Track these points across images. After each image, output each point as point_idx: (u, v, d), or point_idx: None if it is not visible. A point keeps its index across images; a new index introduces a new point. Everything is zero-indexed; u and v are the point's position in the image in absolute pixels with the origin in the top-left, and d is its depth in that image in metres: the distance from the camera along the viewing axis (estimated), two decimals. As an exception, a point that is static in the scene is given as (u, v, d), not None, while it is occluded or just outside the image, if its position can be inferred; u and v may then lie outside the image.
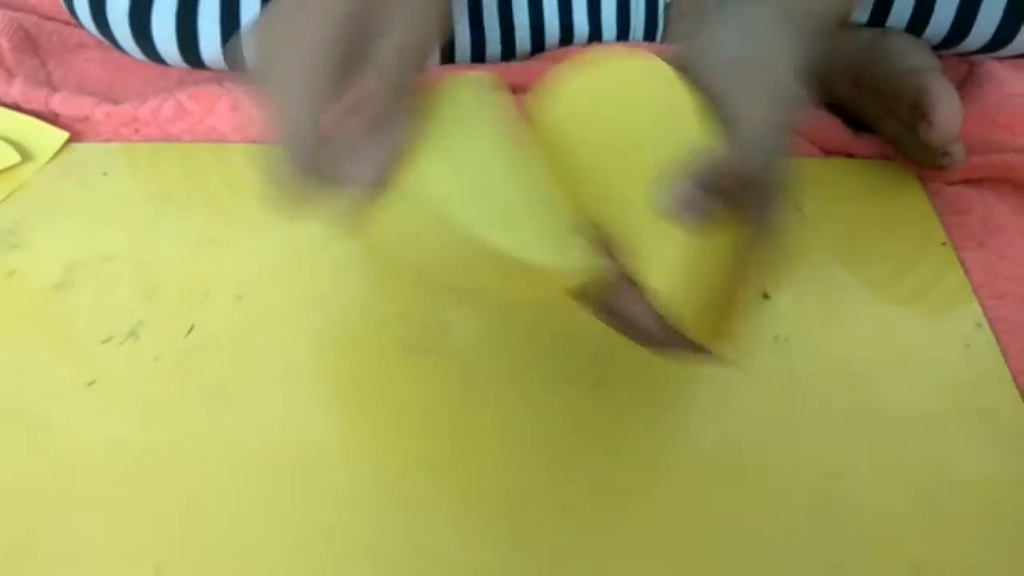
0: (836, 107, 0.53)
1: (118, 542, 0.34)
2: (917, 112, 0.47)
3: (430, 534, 0.34)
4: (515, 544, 0.34)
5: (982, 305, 0.43)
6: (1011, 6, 0.50)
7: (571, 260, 0.30)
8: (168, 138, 0.52)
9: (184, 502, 0.35)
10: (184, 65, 0.55)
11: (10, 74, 0.54)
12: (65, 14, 0.57)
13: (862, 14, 0.52)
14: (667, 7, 0.56)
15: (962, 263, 0.45)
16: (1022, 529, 0.35)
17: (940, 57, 0.53)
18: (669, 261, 0.28)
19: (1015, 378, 0.40)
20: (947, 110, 0.45)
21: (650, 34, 0.57)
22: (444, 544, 0.34)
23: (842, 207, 0.48)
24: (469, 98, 0.33)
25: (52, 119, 0.53)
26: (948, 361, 0.41)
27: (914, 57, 0.50)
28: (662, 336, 0.29)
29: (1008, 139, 0.51)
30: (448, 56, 0.55)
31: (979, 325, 0.42)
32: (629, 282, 0.30)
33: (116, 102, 0.53)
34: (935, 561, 0.34)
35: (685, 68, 0.30)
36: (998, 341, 0.41)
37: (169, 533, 0.34)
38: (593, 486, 0.36)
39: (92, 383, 0.39)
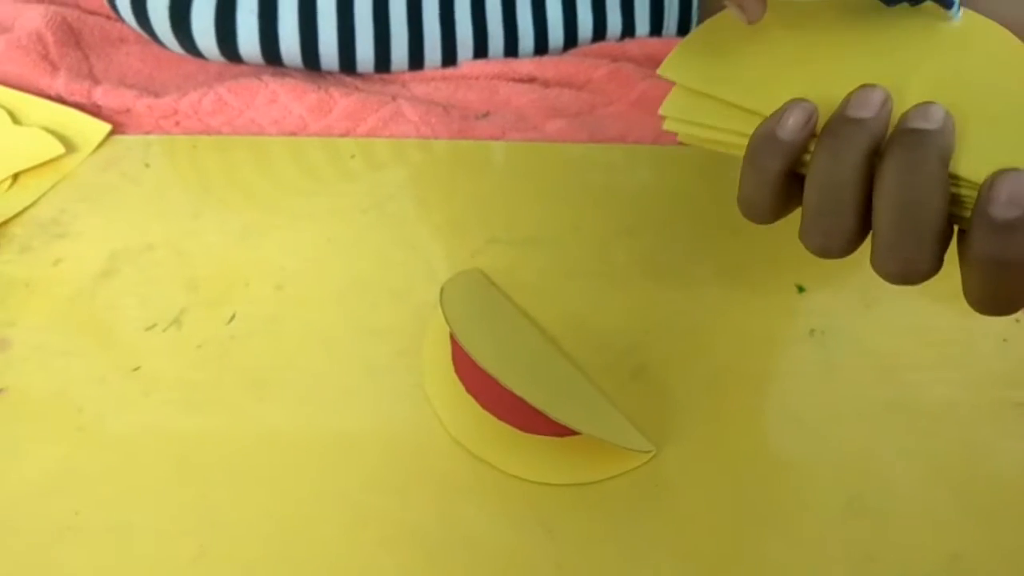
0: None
1: (162, 524, 0.35)
2: None
3: (464, 518, 0.35)
4: (548, 529, 0.34)
5: (1019, 300, 0.43)
6: None
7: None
8: (208, 131, 0.53)
9: (226, 485, 0.36)
10: (222, 59, 0.56)
11: (54, 67, 0.55)
12: (106, 8, 0.58)
13: None
14: (700, 2, 0.56)
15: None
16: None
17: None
18: None
19: (1053, 373, 0.40)
20: None
21: (683, 29, 0.57)
22: (478, 528, 0.34)
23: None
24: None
25: (95, 111, 0.54)
26: (984, 355, 0.41)
27: None
28: None
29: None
30: (482, 51, 0.56)
31: (1017, 320, 0.42)
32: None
33: (156, 95, 0.54)
34: (970, 554, 0.34)
35: None
36: (1036, 336, 0.41)
37: (212, 516, 0.35)
38: (626, 473, 0.36)
39: (136, 369, 0.40)
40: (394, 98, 0.54)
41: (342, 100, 0.53)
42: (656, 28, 0.57)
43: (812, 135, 0.26)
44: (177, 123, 0.54)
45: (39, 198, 0.49)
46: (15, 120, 0.52)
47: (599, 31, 0.56)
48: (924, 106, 0.24)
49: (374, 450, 0.37)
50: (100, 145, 0.52)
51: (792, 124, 0.25)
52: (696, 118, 0.28)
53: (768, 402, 0.39)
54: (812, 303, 0.43)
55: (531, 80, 0.55)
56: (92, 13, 0.59)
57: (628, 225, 0.47)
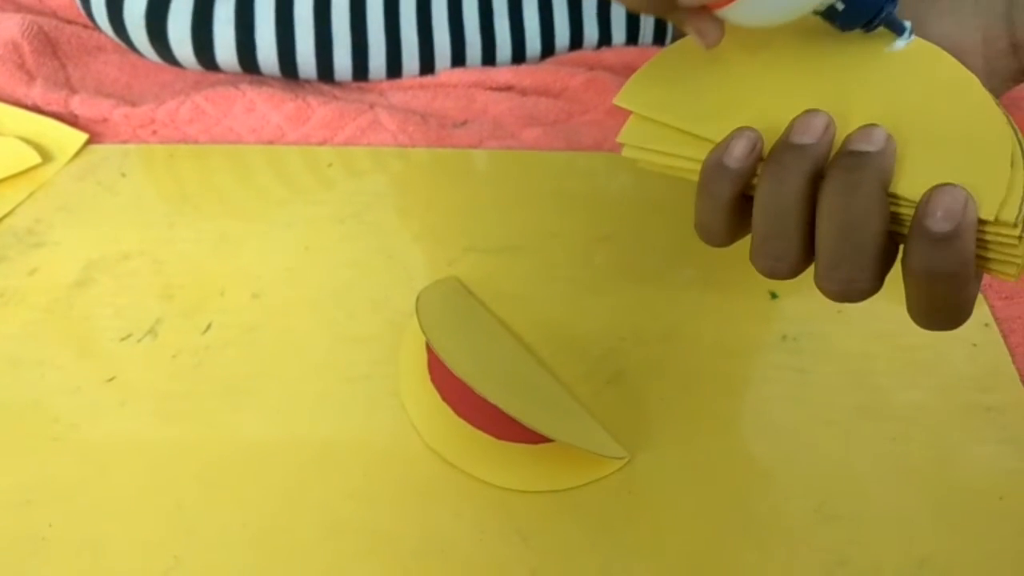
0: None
1: (137, 535, 0.34)
2: None
3: (439, 525, 0.35)
4: (523, 536, 0.34)
5: (990, 305, 0.43)
6: None
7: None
8: (185, 139, 0.53)
9: (201, 496, 0.36)
10: (199, 68, 0.56)
11: (31, 76, 0.55)
12: (83, 17, 0.58)
13: None
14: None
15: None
16: (1026, 526, 0.35)
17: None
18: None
19: (1021, 377, 0.40)
20: None
21: (659, 38, 0.57)
22: (454, 535, 0.34)
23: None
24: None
25: (71, 120, 0.54)
26: (955, 360, 0.41)
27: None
28: None
29: None
30: (459, 59, 0.56)
31: (986, 325, 0.42)
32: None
33: (133, 104, 0.54)
34: (940, 558, 0.34)
35: None
36: (1005, 341, 0.42)
37: (186, 526, 0.35)
38: (600, 480, 0.36)
39: (111, 379, 0.40)
40: (372, 107, 0.54)
41: (320, 109, 0.53)
42: (632, 37, 0.57)
43: (759, 160, 0.26)
44: (154, 132, 0.54)
45: (15, 208, 0.48)
46: (-9, 130, 0.52)
47: (576, 40, 0.57)
48: (866, 128, 0.25)
49: (350, 458, 0.37)
50: (77, 154, 0.52)
51: (738, 152, 0.26)
52: (653, 145, 0.29)
53: (741, 407, 0.39)
54: (785, 309, 0.43)
55: (508, 88, 0.56)
56: (69, 22, 0.59)
57: (604, 232, 0.48)
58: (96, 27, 0.56)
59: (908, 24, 0.28)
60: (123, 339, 0.42)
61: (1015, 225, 0.23)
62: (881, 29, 0.28)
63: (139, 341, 0.42)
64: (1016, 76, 0.30)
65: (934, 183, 0.24)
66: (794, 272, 0.26)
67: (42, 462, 0.37)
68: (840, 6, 0.27)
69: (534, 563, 0.34)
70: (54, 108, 0.54)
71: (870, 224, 0.24)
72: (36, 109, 0.54)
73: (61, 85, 0.55)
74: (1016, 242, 0.24)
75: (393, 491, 0.36)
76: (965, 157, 0.25)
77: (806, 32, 0.29)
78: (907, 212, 0.25)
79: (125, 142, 0.53)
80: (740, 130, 0.26)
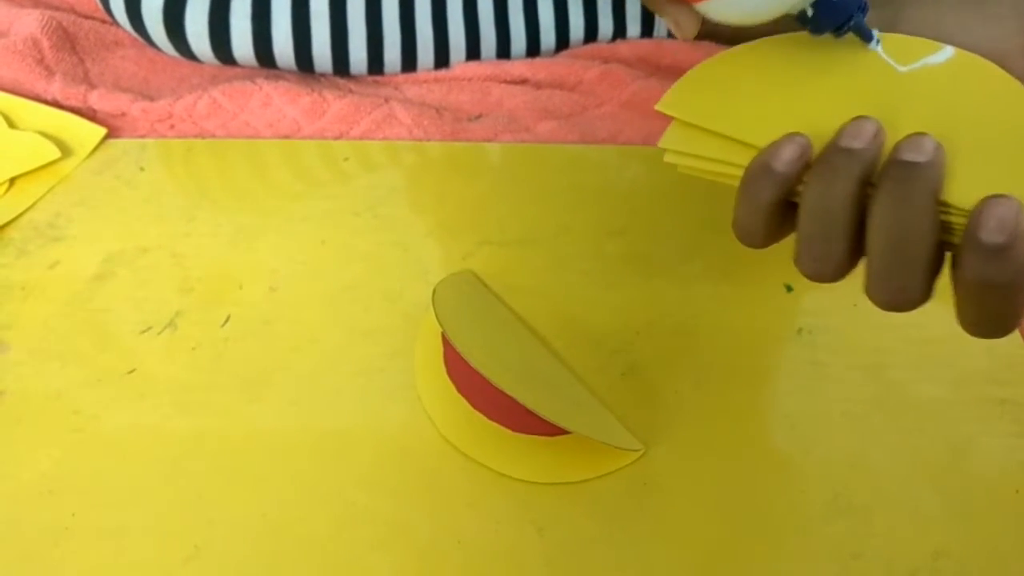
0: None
1: (157, 524, 0.35)
2: None
3: (455, 517, 0.35)
4: (538, 528, 0.35)
5: (1005, 298, 0.43)
6: None
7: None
8: (203, 134, 0.54)
9: (220, 486, 0.36)
10: (216, 62, 0.56)
11: (50, 71, 0.55)
12: (101, 12, 0.58)
13: None
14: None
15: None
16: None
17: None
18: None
19: (1038, 371, 0.40)
20: None
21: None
22: (469, 527, 0.35)
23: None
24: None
25: (90, 115, 0.54)
26: (970, 353, 0.41)
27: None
28: None
29: None
30: (474, 53, 0.56)
31: (1002, 318, 0.42)
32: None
33: (151, 98, 0.54)
34: (955, 551, 0.34)
35: None
36: (1021, 333, 0.42)
37: (206, 516, 0.35)
38: (615, 472, 0.36)
39: (132, 371, 0.40)
40: (387, 100, 0.54)
41: (335, 103, 0.53)
42: (647, 30, 0.57)
43: (806, 167, 0.27)
44: (172, 126, 0.54)
45: (35, 202, 0.49)
46: (11, 125, 0.52)
47: (591, 33, 0.57)
48: (915, 137, 0.25)
49: (366, 450, 0.37)
50: (95, 149, 0.52)
51: (787, 156, 0.26)
52: (695, 150, 0.29)
53: (756, 400, 0.39)
54: (800, 302, 0.43)
55: (523, 82, 0.56)
56: (87, 17, 0.59)
57: (619, 225, 0.48)
58: (114, 22, 0.57)
59: (876, 33, 0.29)
60: (143, 332, 0.42)
61: None
62: (850, 35, 0.29)
63: (159, 334, 0.42)
64: None
65: (985, 193, 0.24)
66: (838, 275, 0.26)
67: (64, 453, 0.37)
68: (809, 12, 0.28)
69: (549, 554, 0.34)
70: (73, 103, 0.54)
71: (922, 235, 0.24)
72: (55, 104, 0.54)
73: (80, 80, 0.56)
74: None
75: (409, 482, 0.36)
76: (1015, 165, 0.25)
77: (850, 44, 0.29)
78: (957, 221, 0.25)
79: (143, 136, 0.54)
80: (790, 135, 0.26)
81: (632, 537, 0.35)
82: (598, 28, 0.57)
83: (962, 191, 0.24)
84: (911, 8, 0.31)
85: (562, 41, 0.57)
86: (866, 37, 0.29)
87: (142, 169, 0.51)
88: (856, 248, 0.26)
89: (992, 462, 0.37)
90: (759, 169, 0.26)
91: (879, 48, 0.29)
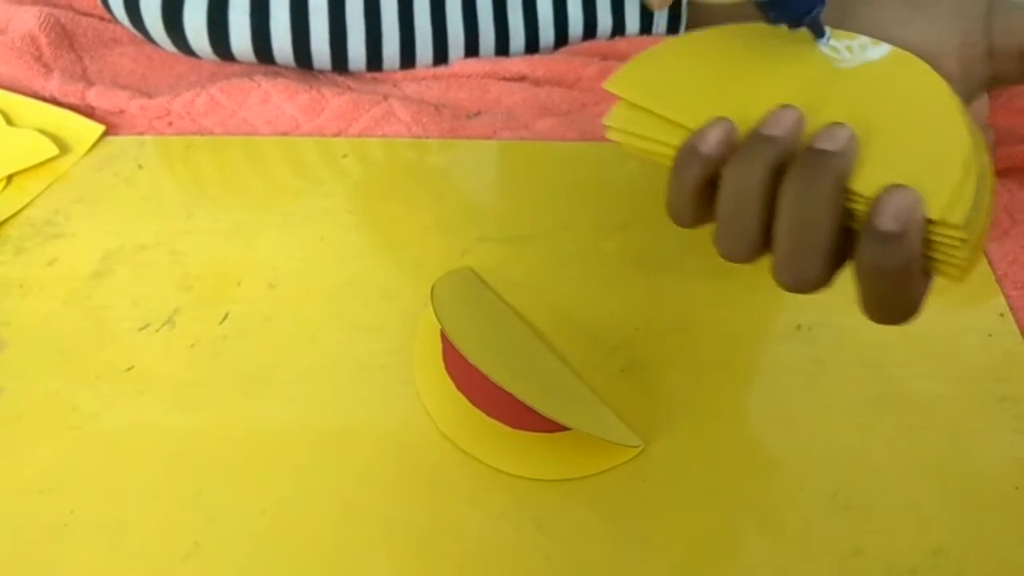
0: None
1: (156, 521, 0.35)
2: None
3: (454, 513, 0.35)
4: (538, 524, 0.35)
5: (1005, 295, 0.43)
6: None
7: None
8: (201, 131, 0.54)
9: (219, 483, 0.36)
10: (215, 58, 0.56)
11: (48, 69, 0.55)
12: (100, 9, 0.58)
13: None
14: (689, 2, 0.57)
15: (986, 252, 0.45)
16: (1043, 516, 0.35)
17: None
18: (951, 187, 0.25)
19: (1037, 367, 0.40)
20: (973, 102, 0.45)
21: (673, 28, 0.57)
22: (469, 523, 0.35)
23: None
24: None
25: (88, 112, 0.54)
26: (970, 350, 0.41)
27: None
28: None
29: (1034, 129, 0.51)
30: (473, 49, 0.56)
31: (1001, 314, 0.42)
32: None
33: (149, 96, 0.54)
34: (955, 547, 0.34)
35: None
36: (1020, 330, 0.42)
37: (205, 513, 0.35)
38: (615, 468, 0.36)
39: (130, 368, 0.40)
40: (386, 97, 0.54)
41: (334, 100, 0.53)
42: (646, 26, 0.57)
43: (731, 151, 0.27)
44: (170, 124, 0.54)
45: (33, 199, 0.49)
46: (9, 122, 0.52)
47: (589, 29, 0.57)
48: (831, 127, 0.26)
49: (365, 447, 0.37)
50: (94, 146, 0.52)
51: (712, 139, 0.27)
52: (635, 130, 0.30)
53: (756, 397, 0.39)
54: (799, 299, 0.43)
55: (522, 79, 0.56)
56: (85, 14, 0.59)
57: (618, 222, 0.48)
58: (112, 18, 0.57)
59: (828, 30, 0.30)
60: (141, 329, 0.42)
61: (961, 227, 0.24)
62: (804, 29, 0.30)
63: (157, 331, 0.42)
64: (990, 81, 0.31)
65: (889, 182, 0.24)
66: (751, 257, 0.27)
67: (62, 450, 0.37)
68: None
69: (548, 550, 0.34)
70: (71, 100, 0.54)
71: (824, 220, 0.25)
72: (53, 101, 0.54)
73: (78, 77, 0.56)
74: (959, 244, 0.24)
75: (408, 479, 0.36)
76: (922, 159, 0.25)
77: (792, 36, 0.30)
78: (863, 209, 0.25)
79: (141, 134, 0.54)
80: (717, 120, 0.27)
81: (631, 533, 0.35)
82: (597, 25, 0.57)
83: (869, 180, 0.25)
84: (858, 5, 0.31)
85: (561, 38, 0.57)
86: (818, 33, 0.30)
87: (140, 166, 0.51)
88: (768, 233, 0.26)
89: (992, 459, 0.37)
90: (687, 151, 0.27)
91: (828, 44, 0.30)
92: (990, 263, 0.45)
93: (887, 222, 0.24)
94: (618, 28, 0.57)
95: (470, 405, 0.38)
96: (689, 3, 0.57)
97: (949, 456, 0.37)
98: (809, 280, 0.26)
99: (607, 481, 0.36)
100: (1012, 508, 0.35)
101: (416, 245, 0.46)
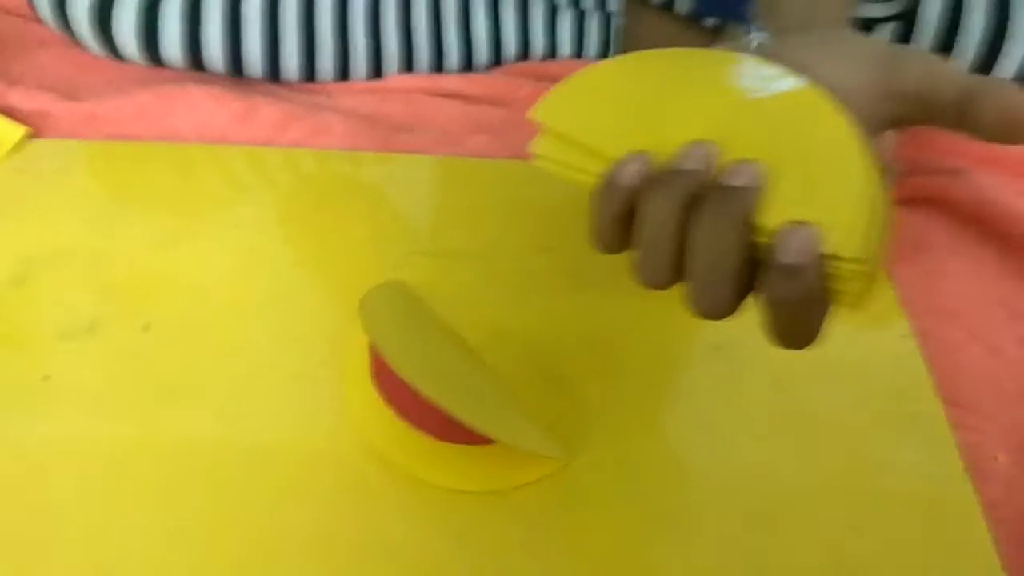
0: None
1: (74, 535, 0.34)
2: None
3: (379, 525, 0.35)
4: (462, 537, 0.35)
5: (908, 318, 0.45)
6: (938, 43, 0.53)
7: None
8: (129, 136, 0.53)
9: (139, 496, 0.36)
10: (145, 63, 0.55)
11: (-32, 67, 0.53)
12: (27, 9, 0.57)
13: None
14: (618, 29, 0.58)
15: (891, 277, 0.47)
16: (943, 530, 0.37)
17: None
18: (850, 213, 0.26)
19: (938, 387, 0.42)
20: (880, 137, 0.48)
21: (604, 51, 0.59)
22: (394, 535, 0.35)
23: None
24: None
25: (9, 113, 0.53)
26: (876, 370, 0.43)
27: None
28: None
29: (940, 162, 0.54)
30: (408, 65, 0.57)
31: (904, 336, 0.44)
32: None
33: (76, 99, 0.53)
34: (859, 562, 0.36)
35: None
36: (922, 352, 0.44)
37: (123, 526, 0.35)
38: (538, 481, 0.37)
39: (47, 378, 0.39)
40: (319, 109, 0.54)
41: (266, 109, 0.53)
42: (578, 50, 0.59)
43: (649, 183, 0.29)
44: (96, 128, 0.53)
45: (-52, 201, 0.47)
46: (-75, 121, 0.51)
47: (524, 50, 0.58)
48: (739, 164, 0.27)
49: (291, 459, 0.37)
50: (15, 148, 0.51)
51: (629, 172, 0.28)
52: (560, 158, 0.31)
53: (675, 413, 0.41)
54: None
55: (456, 96, 0.56)
56: (10, 13, 0.58)
57: (548, 240, 0.49)
58: (40, 19, 0.55)
59: (755, 34, 0.32)
60: (59, 337, 0.41)
61: (856, 260, 0.26)
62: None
63: (76, 339, 0.41)
64: (895, 121, 0.32)
65: (793, 217, 0.26)
66: (667, 284, 0.29)
67: (-26, 460, 0.36)
68: None
69: (471, 562, 0.34)
70: (-9, 100, 0.53)
71: (732, 255, 0.26)
72: (-27, 101, 0.53)
73: (0, 77, 0.54)
74: (855, 276, 0.26)
75: (334, 491, 0.36)
76: (822, 195, 0.27)
77: (712, 62, 0.32)
78: (769, 242, 0.27)
79: (66, 138, 0.52)
80: (633, 154, 0.28)
81: (554, 545, 0.35)
82: (531, 46, 0.58)
83: (774, 215, 0.26)
84: (784, 36, 0.33)
85: (495, 57, 0.58)
86: (745, 24, 0.30)
87: (64, 171, 0.50)
88: (681, 263, 0.28)
89: (896, 476, 0.39)
90: (606, 183, 0.29)
91: (757, 38, 0.30)
92: (895, 288, 0.47)
93: (788, 256, 0.25)
94: (551, 50, 0.58)
95: (397, 417, 0.38)
96: (624, 29, 0.58)
97: (855, 472, 0.39)
98: (719, 309, 0.28)
99: (530, 493, 0.37)
100: (914, 523, 0.37)
101: (347, 258, 0.47)
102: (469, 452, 0.37)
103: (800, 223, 0.26)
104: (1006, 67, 0.52)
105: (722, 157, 0.28)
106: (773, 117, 0.29)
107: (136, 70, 0.56)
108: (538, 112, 0.32)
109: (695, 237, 0.27)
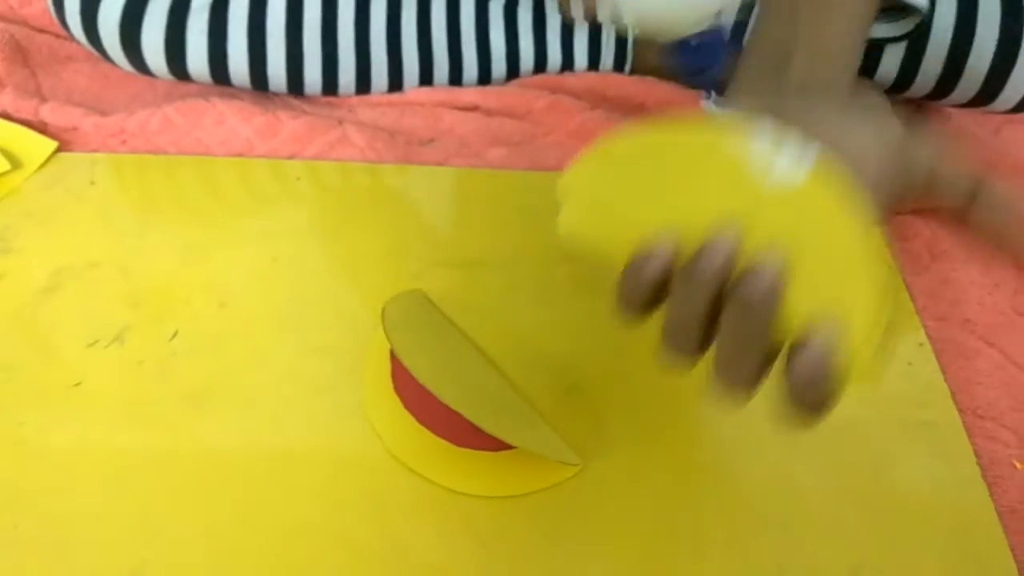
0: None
1: (101, 537, 0.35)
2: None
3: (400, 530, 0.36)
4: (480, 541, 0.36)
5: (924, 326, 0.46)
6: (948, 63, 0.53)
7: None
8: (154, 150, 0.54)
9: (166, 500, 0.37)
10: (171, 78, 0.56)
11: (1, 84, 0.55)
12: (56, 27, 0.58)
13: None
14: (635, 42, 0.59)
15: (907, 286, 0.48)
16: (960, 538, 0.37)
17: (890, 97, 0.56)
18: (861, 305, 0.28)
19: (953, 395, 0.43)
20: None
21: (619, 65, 0.59)
22: (413, 540, 0.36)
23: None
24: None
25: (41, 129, 0.54)
26: (891, 377, 0.43)
27: (864, 96, 0.53)
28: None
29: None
30: (427, 78, 0.58)
31: (920, 344, 0.45)
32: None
33: (104, 114, 0.55)
34: (873, 565, 0.36)
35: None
36: (938, 360, 0.44)
37: (151, 529, 0.35)
38: (555, 486, 0.38)
39: (78, 385, 0.41)
40: (341, 122, 0.55)
41: (289, 123, 0.54)
42: (594, 62, 0.59)
43: (671, 271, 0.30)
44: (124, 142, 0.54)
45: (-18, 213, 0.49)
46: (-40, 136, 0.52)
47: (540, 63, 0.59)
48: (763, 257, 0.28)
49: (314, 466, 0.38)
50: (46, 162, 0.52)
51: (659, 254, 0.29)
52: (587, 232, 0.32)
53: (690, 419, 0.41)
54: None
55: (474, 108, 0.57)
56: (41, 31, 0.59)
57: (565, 250, 0.49)
58: (69, 35, 0.57)
59: (713, 97, 0.31)
60: (90, 345, 0.42)
61: (865, 355, 0.27)
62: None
63: (106, 347, 0.42)
64: (899, 194, 0.33)
65: (813, 310, 0.27)
66: (691, 364, 0.30)
67: (8, 465, 0.37)
68: (694, 42, 0.30)
69: (491, 566, 0.35)
70: (24, 116, 0.54)
71: (756, 346, 0.28)
72: (6, 116, 0.54)
73: (31, 93, 0.56)
74: (863, 367, 0.28)
75: (356, 497, 0.37)
76: (841, 286, 0.28)
77: (732, 133, 0.31)
78: (790, 330, 0.28)
79: (94, 151, 0.54)
80: (663, 233, 0.29)
81: (571, 548, 0.36)
82: (547, 59, 0.59)
83: (796, 307, 0.28)
84: (793, 99, 0.34)
85: (513, 70, 0.59)
86: (711, 91, 0.30)
87: (93, 183, 0.51)
88: (707, 343, 0.30)
89: (910, 481, 0.39)
90: (631, 271, 0.30)
91: (712, 105, 0.30)
92: (911, 297, 0.47)
93: (808, 363, 0.27)
94: (567, 63, 0.59)
95: (417, 424, 0.39)
96: (635, 41, 0.59)
97: (870, 478, 0.39)
98: (745, 389, 0.29)
99: (548, 498, 0.37)
100: (927, 526, 0.37)
101: (368, 268, 0.47)
102: (487, 458, 0.38)
103: (822, 321, 0.27)
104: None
105: (745, 241, 0.28)
106: (790, 197, 0.29)
107: (162, 85, 0.58)
108: (565, 185, 0.32)
109: (724, 330, 0.28)
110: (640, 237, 0.30)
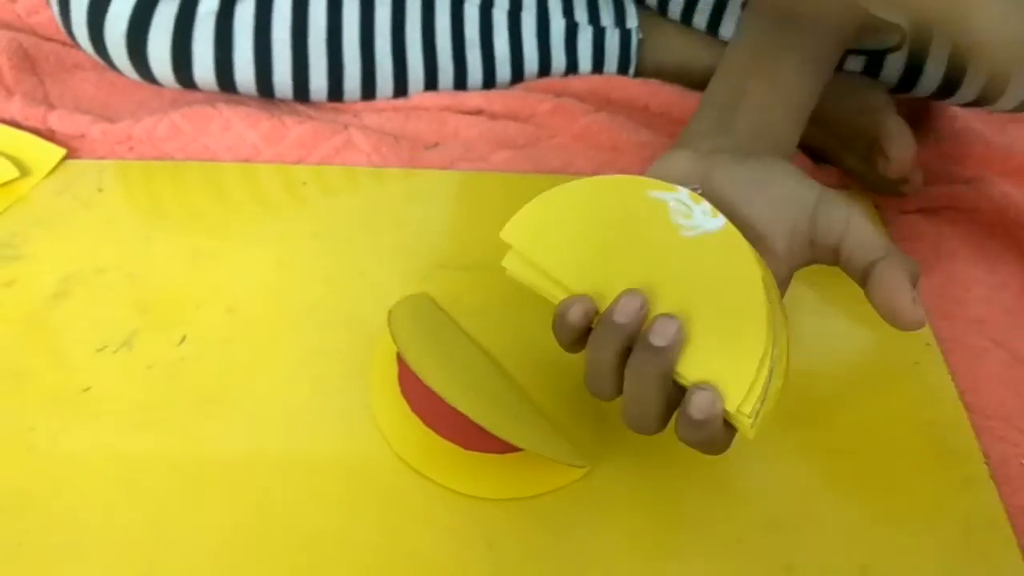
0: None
1: (112, 542, 0.35)
2: (874, 148, 0.50)
3: (408, 533, 0.36)
4: (488, 543, 0.36)
5: (931, 325, 0.46)
6: (951, 63, 0.53)
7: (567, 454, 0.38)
8: (162, 156, 0.54)
9: (175, 504, 0.37)
10: (177, 86, 0.57)
11: (9, 92, 0.56)
12: (63, 35, 0.59)
13: None
14: (639, 43, 0.59)
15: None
16: (969, 538, 0.37)
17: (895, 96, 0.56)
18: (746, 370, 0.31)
19: (961, 394, 0.43)
20: (901, 146, 0.49)
21: (623, 67, 0.60)
22: (422, 543, 0.36)
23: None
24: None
25: (49, 136, 0.55)
26: (898, 377, 0.43)
27: (869, 96, 0.53)
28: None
29: (959, 171, 0.55)
30: (432, 83, 0.58)
31: (928, 344, 0.45)
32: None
33: (111, 121, 0.55)
34: (881, 565, 0.36)
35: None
36: (945, 359, 0.44)
37: (160, 534, 0.36)
38: (562, 488, 0.38)
39: (87, 390, 0.41)
40: (346, 127, 0.55)
41: (295, 128, 0.55)
42: (598, 66, 0.59)
43: (592, 318, 0.34)
44: (131, 148, 0.55)
45: (-8, 220, 0.49)
46: (-32, 144, 0.53)
47: (544, 67, 0.59)
48: (662, 322, 0.32)
49: (322, 469, 0.38)
50: (54, 169, 0.53)
51: (574, 313, 0.34)
52: (525, 278, 0.36)
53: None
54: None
55: (479, 112, 0.57)
56: (48, 39, 0.60)
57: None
58: (76, 44, 0.57)
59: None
60: (99, 350, 0.43)
61: (749, 415, 0.31)
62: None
63: (115, 352, 0.43)
64: (809, 262, 0.37)
65: (704, 371, 0.32)
66: (609, 399, 0.35)
67: (18, 471, 0.38)
68: None
69: (498, 568, 0.35)
70: (32, 123, 0.54)
71: (654, 399, 0.33)
72: (14, 124, 0.55)
73: (39, 101, 0.56)
74: (749, 426, 0.32)
75: (364, 500, 0.37)
76: (729, 351, 0.32)
77: (655, 195, 0.35)
78: (685, 384, 0.32)
79: (102, 158, 0.54)
80: (577, 298, 0.34)
81: (578, 550, 0.36)
82: (551, 63, 0.59)
83: (689, 368, 0.32)
84: (714, 173, 0.37)
85: (517, 74, 0.59)
86: None
87: (100, 190, 0.52)
88: (621, 385, 0.34)
89: (917, 481, 0.39)
90: (558, 317, 0.34)
91: (680, 200, 0.35)
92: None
93: (695, 413, 0.31)
94: (571, 67, 0.59)
95: (425, 427, 0.39)
96: (640, 43, 0.59)
97: (876, 478, 0.39)
98: (645, 430, 0.34)
99: (555, 501, 0.37)
100: (934, 526, 0.37)
101: (375, 272, 0.48)
102: (494, 460, 0.38)
103: (705, 386, 0.31)
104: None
105: (651, 303, 0.33)
106: (697, 261, 0.33)
107: (169, 92, 0.58)
108: (507, 234, 0.36)
109: (626, 382, 0.33)
110: (564, 289, 0.34)
